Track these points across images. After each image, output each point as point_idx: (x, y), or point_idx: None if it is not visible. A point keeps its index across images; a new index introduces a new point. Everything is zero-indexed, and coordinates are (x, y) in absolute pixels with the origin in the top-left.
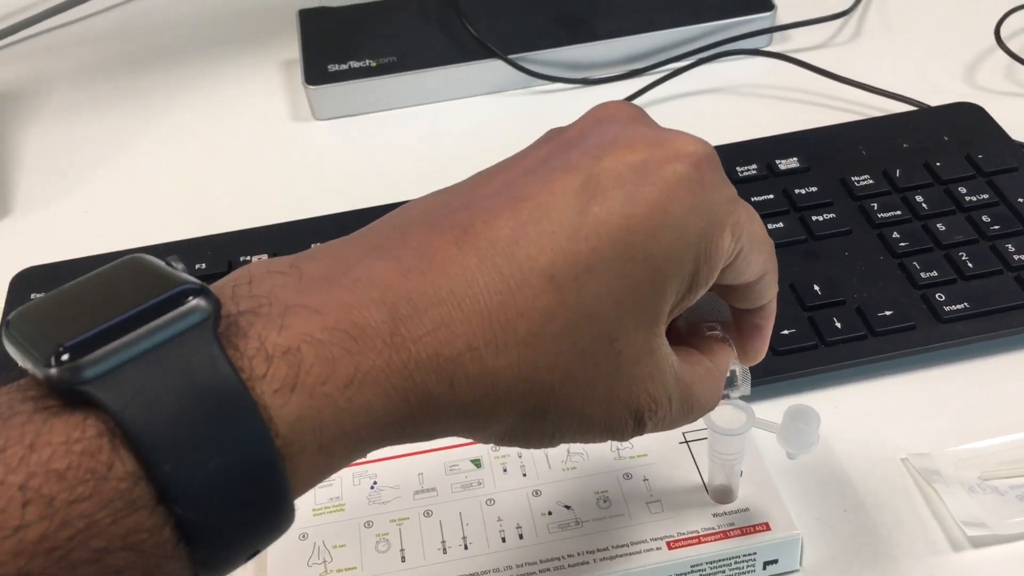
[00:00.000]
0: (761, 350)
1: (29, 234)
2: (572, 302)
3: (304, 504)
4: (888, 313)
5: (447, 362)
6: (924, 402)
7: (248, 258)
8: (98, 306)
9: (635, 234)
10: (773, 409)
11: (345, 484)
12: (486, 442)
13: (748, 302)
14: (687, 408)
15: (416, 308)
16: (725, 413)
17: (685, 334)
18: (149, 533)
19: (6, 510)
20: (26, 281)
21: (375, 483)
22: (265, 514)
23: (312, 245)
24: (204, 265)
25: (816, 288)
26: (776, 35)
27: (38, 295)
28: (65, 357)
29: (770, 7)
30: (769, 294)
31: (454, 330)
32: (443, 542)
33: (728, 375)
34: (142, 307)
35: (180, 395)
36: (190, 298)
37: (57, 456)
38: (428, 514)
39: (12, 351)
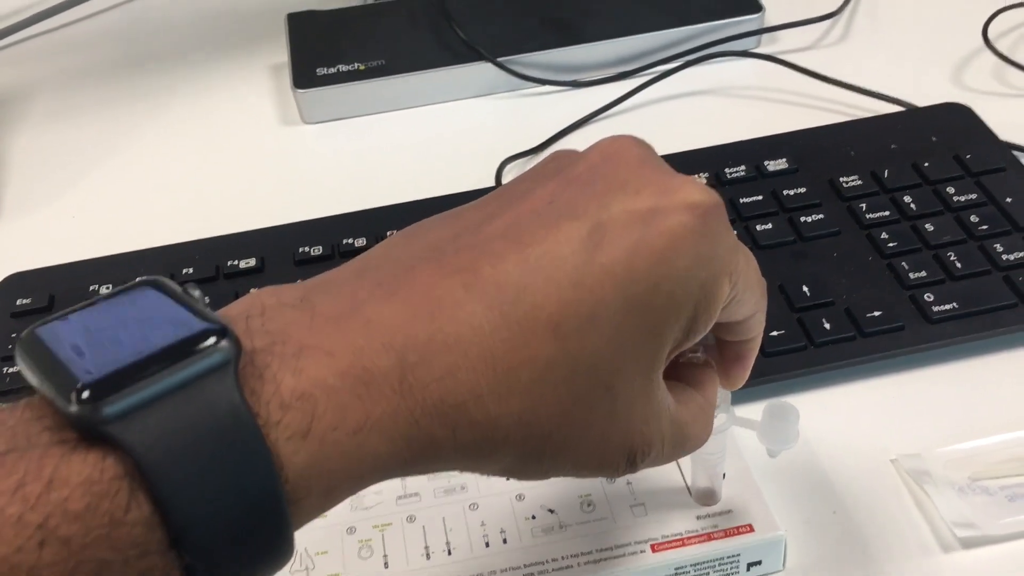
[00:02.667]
0: (741, 378)
1: (17, 238)
2: (574, 351)
3: None
4: (877, 314)
5: (451, 409)
6: (913, 403)
7: (235, 262)
8: (117, 338)
9: (638, 284)
10: (761, 411)
11: None
12: (479, 473)
13: (735, 336)
14: (679, 448)
15: (424, 355)
16: None
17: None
18: (160, 573)
19: (23, 549)
20: (14, 285)
21: None
22: (269, 556)
23: (300, 249)
24: (192, 269)
25: (805, 289)
26: (765, 37)
27: (25, 301)
28: (86, 395)
29: (758, 9)
30: (756, 330)
31: (460, 378)
32: (426, 547)
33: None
34: (163, 345)
35: (199, 441)
36: (212, 338)
37: (75, 497)
38: (411, 519)
39: (27, 373)
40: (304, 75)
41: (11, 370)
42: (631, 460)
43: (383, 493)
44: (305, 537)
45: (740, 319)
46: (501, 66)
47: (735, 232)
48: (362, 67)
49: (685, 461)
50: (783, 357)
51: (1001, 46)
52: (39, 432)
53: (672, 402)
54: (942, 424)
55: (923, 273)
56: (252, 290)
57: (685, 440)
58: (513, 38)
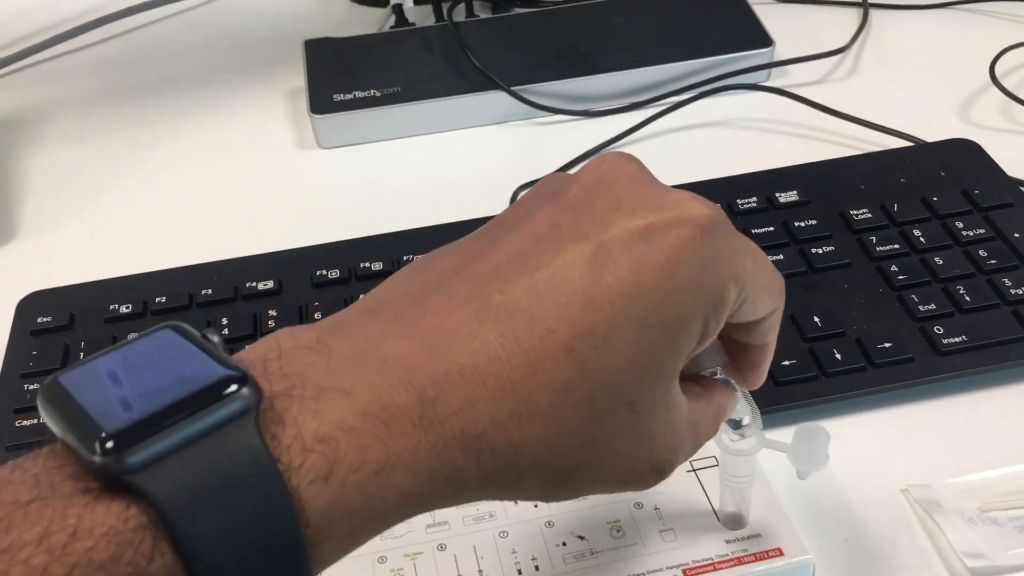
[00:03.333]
0: (758, 381)
1: (35, 258)
2: (591, 371)
3: None
4: (887, 345)
5: (473, 439)
6: (923, 433)
7: (254, 284)
8: (139, 386)
9: (646, 300)
10: (792, 434)
11: None
12: (508, 500)
13: (750, 339)
14: (695, 446)
15: (442, 389)
16: (736, 436)
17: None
18: None
19: None
20: (33, 305)
21: None
22: None
23: (317, 272)
24: (211, 291)
25: (816, 320)
26: (775, 71)
27: (44, 319)
28: (109, 445)
29: (769, 43)
30: (771, 334)
31: (479, 407)
32: (459, 575)
33: (739, 418)
34: (186, 395)
35: (221, 489)
36: (233, 386)
37: (100, 548)
38: (442, 548)
39: (49, 421)
40: (321, 100)
41: (32, 387)
42: (659, 471)
43: (412, 522)
44: (335, 568)
45: (757, 318)
46: (515, 95)
47: (742, 235)
48: (378, 94)
49: (711, 485)
50: (794, 386)
51: (1008, 83)
52: (62, 481)
53: (686, 403)
54: (951, 455)
55: (932, 306)
56: (267, 336)
57: (699, 438)
58: (527, 67)
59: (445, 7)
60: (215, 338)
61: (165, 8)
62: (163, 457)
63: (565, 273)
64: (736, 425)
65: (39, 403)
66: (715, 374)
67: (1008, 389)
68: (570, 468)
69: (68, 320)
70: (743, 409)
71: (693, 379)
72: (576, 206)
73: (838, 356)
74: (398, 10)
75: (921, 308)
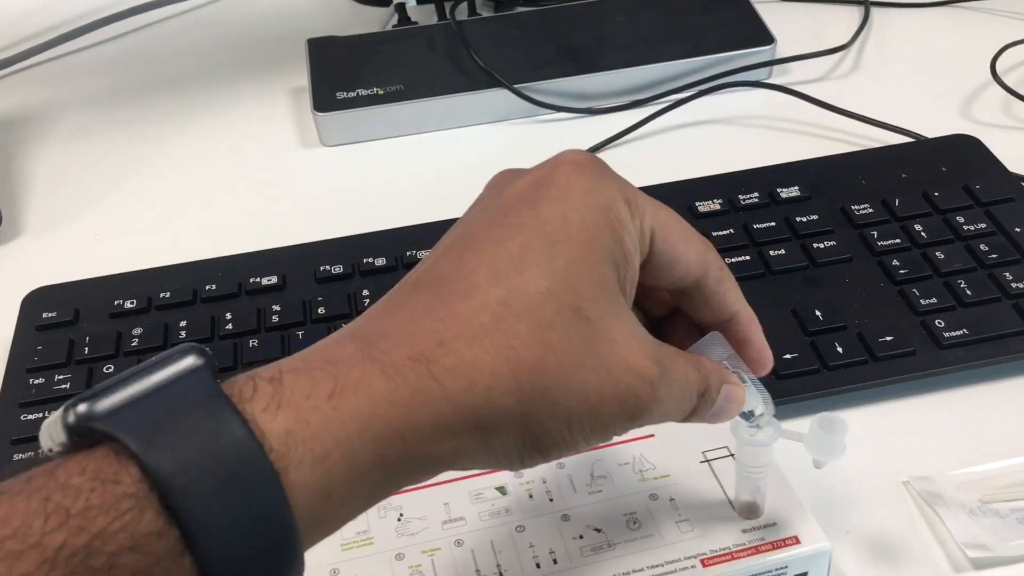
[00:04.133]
0: (763, 362)
1: (40, 255)
2: (520, 287)
3: (332, 540)
4: (889, 339)
5: (420, 357)
6: (925, 426)
7: (258, 279)
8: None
9: (549, 224)
10: (809, 423)
11: (371, 517)
12: (510, 461)
13: (714, 311)
14: (685, 383)
15: (383, 334)
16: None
17: None
18: (156, 535)
19: (30, 522)
20: (37, 301)
21: (401, 515)
22: (263, 510)
23: (321, 268)
24: (215, 286)
25: (818, 313)
26: (776, 68)
27: (49, 314)
28: (82, 407)
29: (770, 41)
30: (731, 298)
31: (420, 335)
32: (477, 571)
33: (751, 409)
34: (147, 363)
35: (177, 416)
36: (189, 353)
37: (73, 474)
38: (459, 543)
39: (45, 439)
40: (324, 99)
41: (36, 381)
42: (648, 381)
43: (427, 518)
44: (354, 565)
45: (691, 275)
46: (518, 92)
47: (710, 237)
48: (381, 92)
49: (725, 475)
50: (796, 380)
51: (1009, 80)
52: (49, 465)
53: (648, 333)
54: (953, 447)
55: (934, 300)
56: None
57: (685, 378)
58: (530, 65)
59: (448, 6)
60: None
61: (169, 8)
62: (125, 404)
63: (473, 235)
64: (749, 416)
65: (40, 436)
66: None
67: (1009, 382)
68: (540, 383)
69: (73, 315)
70: (754, 400)
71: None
72: (473, 206)
73: (840, 350)
74: (401, 9)
75: (922, 302)
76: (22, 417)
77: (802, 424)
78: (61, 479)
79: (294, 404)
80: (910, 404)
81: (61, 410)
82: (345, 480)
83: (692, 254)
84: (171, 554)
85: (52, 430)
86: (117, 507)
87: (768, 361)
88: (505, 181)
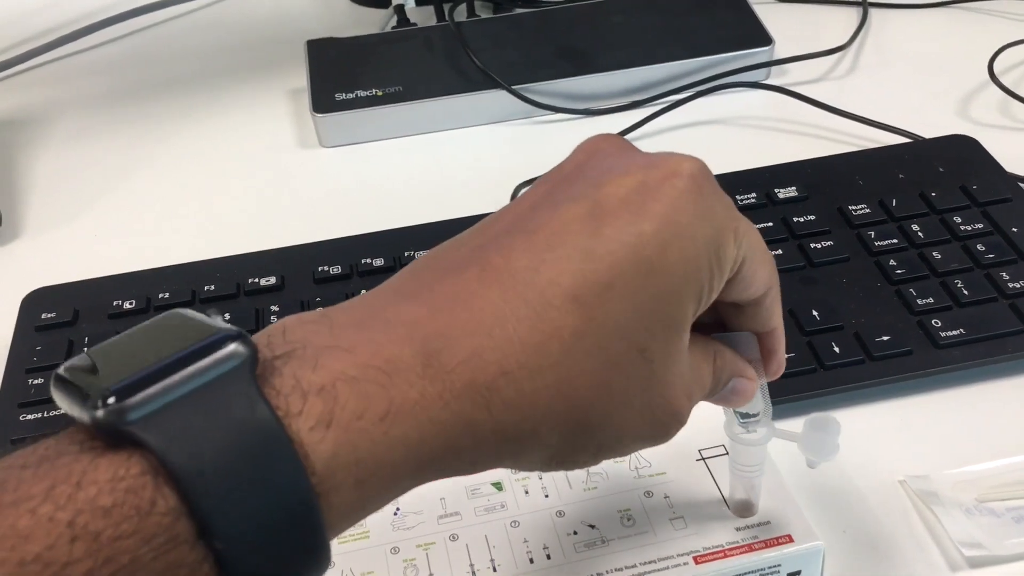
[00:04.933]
0: (779, 370)
1: (40, 256)
2: (599, 318)
3: None
4: (885, 338)
5: (482, 388)
6: (921, 425)
7: (256, 280)
8: (141, 353)
9: (647, 248)
10: (802, 423)
11: None
12: (532, 468)
13: (758, 324)
14: (703, 387)
15: (447, 342)
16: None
17: None
18: (189, 568)
19: (55, 547)
20: (36, 302)
21: (398, 509)
22: (300, 551)
23: (319, 268)
24: (213, 287)
25: (815, 313)
26: (774, 69)
27: (49, 315)
28: (111, 400)
29: (768, 42)
30: (776, 314)
31: (486, 358)
32: (471, 565)
33: (753, 412)
34: (183, 353)
35: (219, 434)
36: (228, 343)
37: (103, 494)
38: (454, 538)
39: (60, 400)
40: (323, 100)
41: (36, 382)
42: (678, 417)
43: (423, 513)
44: (349, 558)
45: (757, 293)
46: (516, 94)
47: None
48: (379, 93)
49: (721, 473)
50: (793, 379)
51: (1007, 81)
52: (69, 445)
53: (690, 353)
54: (949, 447)
55: (930, 299)
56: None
57: (703, 380)
58: (528, 66)
59: (446, 7)
60: (217, 316)
61: (169, 9)
62: (162, 408)
63: (563, 230)
64: (745, 416)
65: (52, 387)
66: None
67: (1005, 381)
68: (588, 420)
69: (72, 316)
70: (757, 404)
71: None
72: (569, 178)
73: (837, 349)
74: (400, 10)
75: (919, 302)
76: (21, 417)
77: (798, 424)
78: (90, 494)
79: (343, 425)
80: (907, 403)
81: (84, 386)
82: (380, 497)
83: (763, 276)
84: None
85: (70, 408)
86: (151, 541)
87: (780, 373)
88: (608, 165)
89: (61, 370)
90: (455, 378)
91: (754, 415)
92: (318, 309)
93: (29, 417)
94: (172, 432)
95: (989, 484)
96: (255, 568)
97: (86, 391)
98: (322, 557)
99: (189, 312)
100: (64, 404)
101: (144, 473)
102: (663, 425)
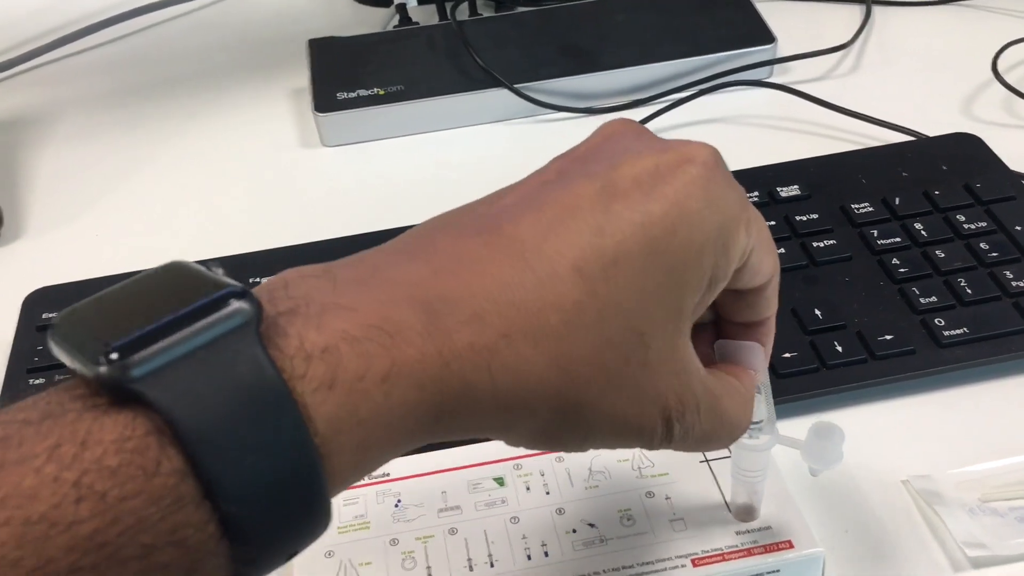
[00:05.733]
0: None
1: (41, 256)
2: (601, 293)
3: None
4: (888, 337)
5: (483, 350)
6: (924, 425)
7: (257, 279)
8: (144, 308)
9: (655, 228)
10: (806, 430)
11: (369, 502)
12: (518, 443)
13: (755, 313)
14: (716, 419)
15: (448, 303)
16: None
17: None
18: (194, 528)
19: (60, 506)
20: (38, 302)
21: (399, 501)
22: (303, 512)
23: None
24: None
25: (817, 312)
26: (777, 67)
27: (50, 315)
28: (114, 356)
29: (771, 40)
30: (773, 303)
31: (488, 321)
32: (469, 559)
33: (757, 418)
34: (187, 309)
35: (225, 394)
36: (233, 301)
37: (109, 454)
38: (453, 532)
39: (59, 352)
40: (325, 99)
41: (37, 382)
42: (667, 421)
43: (424, 505)
44: (348, 548)
45: (761, 281)
46: (518, 92)
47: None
48: (381, 92)
49: (724, 477)
50: (795, 379)
51: (1011, 78)
52: (72, 401)
53: (702, 368)
54: (952, 446)
55: (934, 298)
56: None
57: (721, 413)
58: (531, 65)
59: (448, 6)
60: (219, 270)
61: (170, 9)
62: (167, 366)
63: (575, 204)
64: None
65: (50, 338)
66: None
67: (1009, 381)
68: (581, 399)
69: None
70: (761, 410)
71: (719, 367)
72: (584, 157)
73: (839, 348)
74: (402, 9)
75: (922, 300)
76: None
77: (800, 424)
78: (96, 454)
79: (346, 386)
80: (909, 403)
81: (85, 339)
82: (377, 459)
83: (768, 265)
84: (207, 545)
85: (70, 361)
86: (157, 501)
87: (767, 363)
88: (623, 147)
89: (58, 319)
90: (456, 339)
91: (757, 421)
92: (320, 264)
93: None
94: (177, 391)
95: (992, 484)
96: (259, 528)
97: (87, 344)
98: (323, 517)
99: (190, 264)
100: (63, 356)
101: (149, 433)
102: (649, 421)
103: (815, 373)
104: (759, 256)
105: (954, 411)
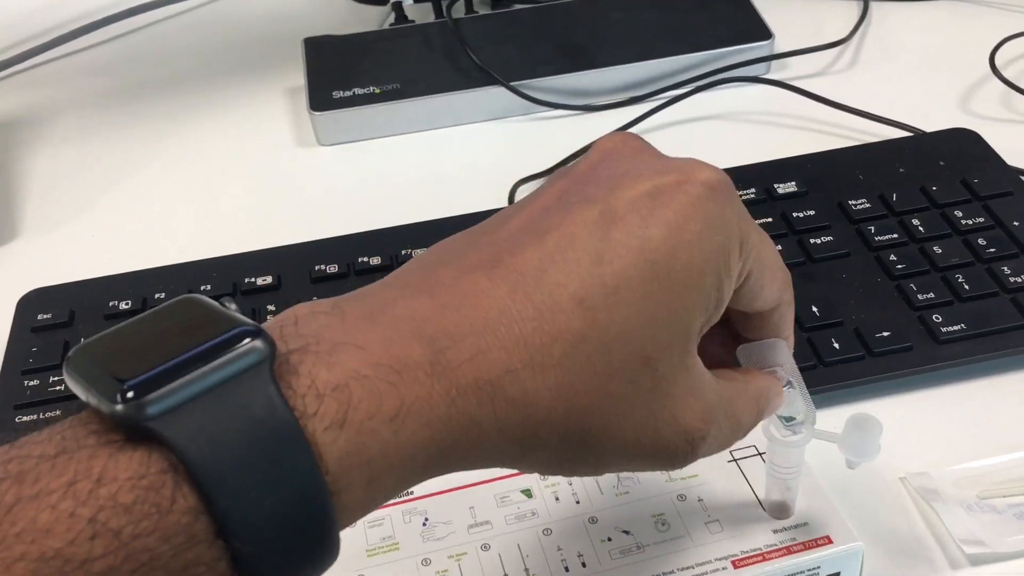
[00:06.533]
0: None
1: (36, 257)
2: (603, 323)
3: (357, 546)
4: (886, 334)
5: (487, 385)
6: (922, 422)
7: (253, 279)
8: (158, 345)
9: (655, 253)
10: (844, 423)
11: (396, 523)
12: (533, 471)
13: (763, 334)
14: (734, 424)
15: (453, 340)
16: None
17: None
18: (206, 567)
19: (75, 542)
20: (33, 302)
21: (427, 520)
22: (313, 548)
23: (316, 267)
24: (209, 286)
25: (814, 309)
26: (774, 63)
27: (45, 316)
28: (130, 395)
29: (768, 36)
30: (784, 328)
31: (491, 356)
32: (505, 575)
33: (794, 415)
34: (202, 348)
35: (239, 433)
36: (247, 340)
37: (123, 491)
38: (486, 547)
39: (74, 386)
40: (320, 98)
41: (32, 383)
42: (690, 440)
43: (453, 523)
44: (380, 571)
45: (764, 307)
46: (514, 90)
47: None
48: (377, 90)
49: (754, 475)
50: None
51: (1008, 73)
52: (87, 436)
53: (713, 377)
54: (950, 443)
55: (931, 294)
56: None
57: (738, 416)
58: (526, 63)
59: (444, 4)
60: (232, 306)
61: (165, 9)
62: (182, 404)
63: (574, 233)
64: (789, 420)
65: (65, 371)
66: (773, 372)
67: (1007, 377)
68: (588, 427)
69: (68, 317)
70: (798, 406)
71: (730, 368)
72: (583, 178)
73: (836, 346)
74: (398, 8)
75: (920, 297)
76: (17, 419)
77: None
78: (111, 491)
79: (356, 425)
80: (907, 400)
81: (100, 376)
82: (386, 494)
83: (773, 292)
84: None
85: (86, 396)
86: (170, 539)
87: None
88: (623, 169)
89: (73, 353)
90: (460, 375)
91: (795, 419)
92: (328, 299)
93: (25, 419)
94: (192, 429)
95: (990, 480)
96: (269, 565)
97: (103, 381)
98: (332, 553)
99: (204, 299)
100: (79, 391)
101: (164, 471)
102: (669, 444)
103: (812, 371)
104: (759, 280)
105: (952, 408)
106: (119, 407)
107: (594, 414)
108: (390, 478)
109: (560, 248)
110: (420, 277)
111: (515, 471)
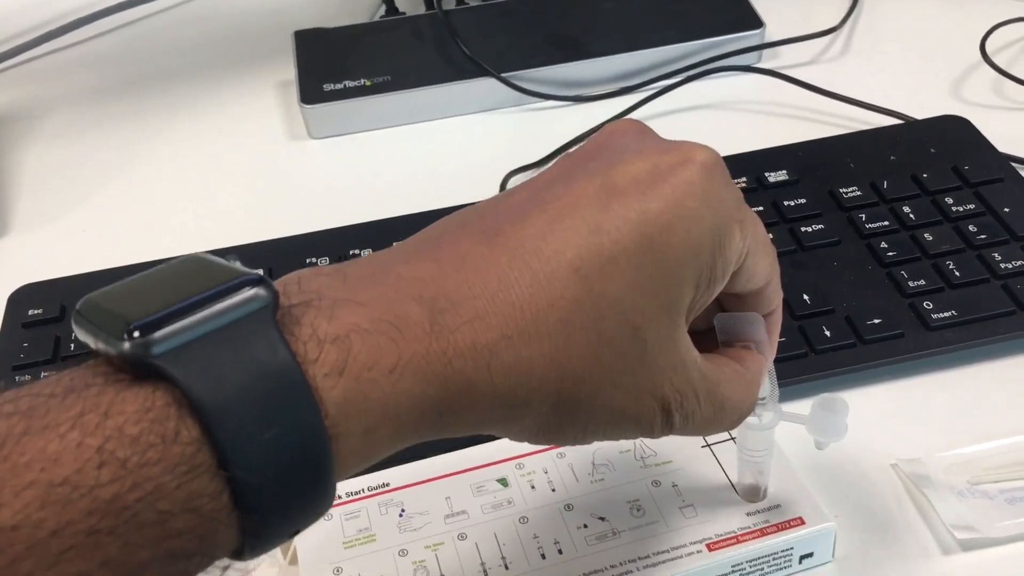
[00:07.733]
0: (772, 352)
1: (28, 252)
2: (598, 291)
3: (334, 539)
4: (877, 321)
5: (483, 349)
6: (913, 408)
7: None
8: (164, 292)
9: (652, 226)
10: (810, 405)
11: (372, 514)
12: (520, 438)
13: (757, 310)
14: (717, 406)
15: (452, 302)
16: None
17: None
18: (209, 497)
19: (83, 470)
20: (24, 298)
21: (403, 511)
22: (311, 488)
23: (308, 260)
24: None
25: (805, 297)
26: (766, 52)
27: (36, 312)
28: (136, 333)
29: (760, 24)
30: (775, 300)
31: (489, 321)
32: (482, 564)
33: (761, 396)
34: (206, 293)
35: (241, 372)
36: (250, 287)
37: (130, 423)
38: (462, 537)
39: (82, 333)
40: (311, 91)
41: (23, 379)
42: (666, 410)
43: (429, 513)
44: (357, 563)
45: (758, 285)
46: (506, 81)
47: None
48: (368, 83)
49: (727, 459)
50: (784, 364)
51: (999, 60)
52: (95, 376)
53: (700, 358)
54: (942, 429)
55: (922, 281)
56: None
57: (722, 400)
58: (517, 54)
59: None
60: (236, 261)
61: (155, 3)
62: (187, 344)
63: (574, 203)
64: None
65: (74, 320)
66: (748, 347)
67: (998, 363)
68: (578, 393)
69: (59, 312)
70: (764, 387)
71: (724, 352)
72: (587, 156)
73: (828, 333)
74: (388, 0)
75: (911, 284)
76: None
77: (789, 409)
78: (118, 422)
79: (355, 374)
80: (898, 386)
81: (108, 320)
82: (384, 448)
83: (764, 268)
84: (220, 515)
85: (94, 341)
86: (174, 469)
87: (773, 355)
88: (624, 146)
89: (81, 304)
90: (458, 338)
91: (761, 399)
92: (332, 264)
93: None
94: (196, 367)
95: (982, 466)
96: (268, 499)
97: (110, 324)
98: (327, 499)
99: (208, 255)
100: (87, 337)
101: (169, 405)
102: (647, 412)
103: (804, 358)
104: (755, 259)
105: (943, 394)
106: (126, 345)
107: (585, 381)
108: (386, 429)
109: (560, 217)
110: (423, 244)
111: (490, 461)
